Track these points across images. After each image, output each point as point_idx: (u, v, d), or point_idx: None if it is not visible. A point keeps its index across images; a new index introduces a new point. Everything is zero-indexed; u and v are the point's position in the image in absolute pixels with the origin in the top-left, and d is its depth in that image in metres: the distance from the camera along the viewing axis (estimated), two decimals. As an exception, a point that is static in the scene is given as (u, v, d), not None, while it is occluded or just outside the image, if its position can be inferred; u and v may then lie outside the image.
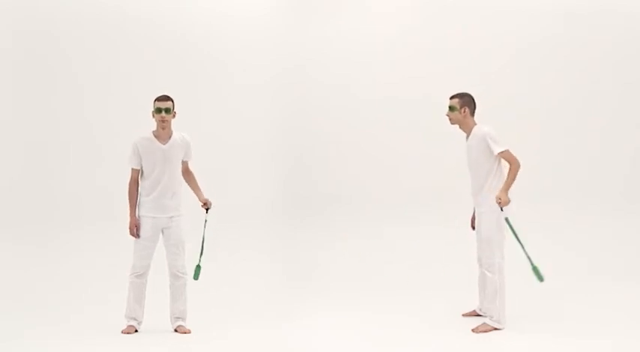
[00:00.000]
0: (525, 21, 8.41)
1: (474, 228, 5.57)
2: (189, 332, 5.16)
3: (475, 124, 5.34)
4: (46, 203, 8.00)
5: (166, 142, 5.18)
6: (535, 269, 5.07)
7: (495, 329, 5.16)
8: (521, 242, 5.08)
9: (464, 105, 5.33)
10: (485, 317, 5.29)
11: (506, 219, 5.12)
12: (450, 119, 5.41)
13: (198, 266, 5.38)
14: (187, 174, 5.42)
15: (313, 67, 8.57)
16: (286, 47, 8.56)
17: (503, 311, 5.19)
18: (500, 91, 8.19)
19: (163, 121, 5.15)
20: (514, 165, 5.13)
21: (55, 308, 5.98)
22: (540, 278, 5.07)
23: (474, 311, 5.63)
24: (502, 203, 5.10)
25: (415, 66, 8.49)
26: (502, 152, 5.16)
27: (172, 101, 5.20)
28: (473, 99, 5.39)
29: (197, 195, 5.47)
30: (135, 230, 5.13)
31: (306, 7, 8.61)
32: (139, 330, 5.20)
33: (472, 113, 5.37)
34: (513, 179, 5.14)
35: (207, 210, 5.44)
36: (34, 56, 8.14)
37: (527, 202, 7.84)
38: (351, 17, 8.59)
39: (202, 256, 5.44)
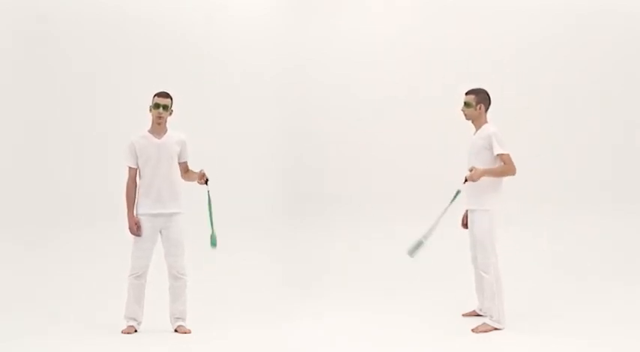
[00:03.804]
0: (525, 21, 8.41)
1: (464, 226, 5.59)
2: (189, 332, 5.16)
3: (486, 122, 5.34)
4: (46, 203, 7.99)
5: (161, 137, 5.20)
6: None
7: (495, 329, 5.16)
8: None
9: (480, 102, 5.32)
10: (486, 317, 5.28)
11: (458, 192, 5.22)
12: (465, 115, 5.39)
13: (212, 235, 5.21)
14: (187, 174, 5.38)
15: (313, 67, 8.57)
16: (286, 47, 8.56)
17: (502, 310, 5.19)
18: (500, 91, 8.17)
19: (159, 117, 5.17)
20: (509, 167, 5.13)
21: (55, 308, 5.98)
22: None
23: (474, 311, 5.63)
24: (471, 176, 5.09)
25: (415, 66, 8.49)
26: (503, 154, 5.14)
27: (171, 99, 5.22)
28: (488, 96, 5.37)
29: (194, 177, 5.30)
30: (135, 228, 5.12)
31: (306, 7, 8.61)
32: (138, 330, 5.20)
33: (486, 110, 5.37)
34: (498, 174, 5.14)
35: (206, 181, 5.23)
36: (34, 56, 8.13)
37: (527, 202, 7.89)
38: (351, 17, 8.59)
39: (213, 224, 5.23)
